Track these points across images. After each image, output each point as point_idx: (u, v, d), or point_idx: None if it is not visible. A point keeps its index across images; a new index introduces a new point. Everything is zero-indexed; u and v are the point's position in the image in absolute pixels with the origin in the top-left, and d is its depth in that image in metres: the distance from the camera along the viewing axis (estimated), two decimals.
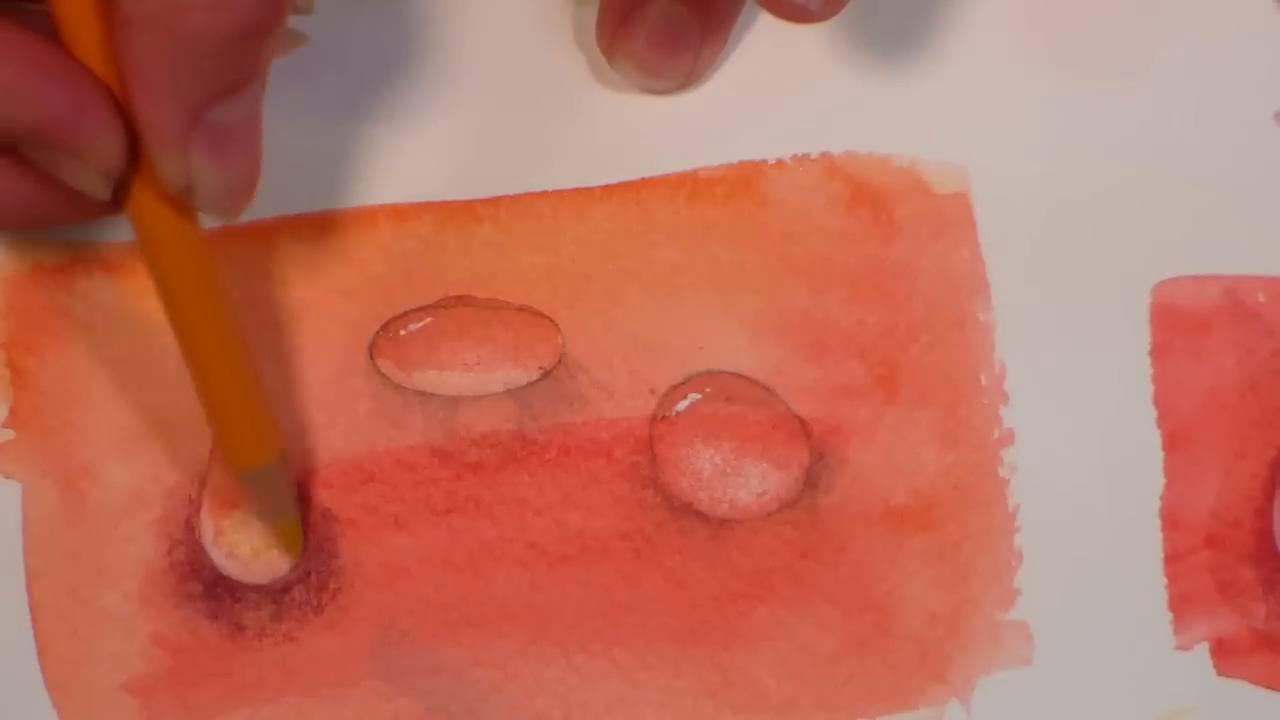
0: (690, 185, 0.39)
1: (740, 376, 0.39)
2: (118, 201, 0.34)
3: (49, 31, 0.33)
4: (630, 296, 0.39)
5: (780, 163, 0.40)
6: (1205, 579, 0.39)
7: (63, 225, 0.37)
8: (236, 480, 0.36)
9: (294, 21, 0.39)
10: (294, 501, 0.37)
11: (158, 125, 0.32)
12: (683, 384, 0.39)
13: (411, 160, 0.39)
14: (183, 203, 0.34)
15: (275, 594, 0.38)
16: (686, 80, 0.40)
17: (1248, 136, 0.40)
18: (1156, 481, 0.39)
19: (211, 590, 0.38)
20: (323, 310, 0.39)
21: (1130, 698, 0.38)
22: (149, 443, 0.38)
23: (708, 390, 0.39)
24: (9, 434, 0.38)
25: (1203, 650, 0.39)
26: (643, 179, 0.39)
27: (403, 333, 0.39)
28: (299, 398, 0.38)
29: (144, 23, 0.31)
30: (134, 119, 0.32)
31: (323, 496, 0.38)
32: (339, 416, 0.38)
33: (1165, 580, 0.39)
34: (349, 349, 0.39)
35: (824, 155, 0.40)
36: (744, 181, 0.39)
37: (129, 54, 0.32)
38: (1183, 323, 0.39)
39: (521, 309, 0.39)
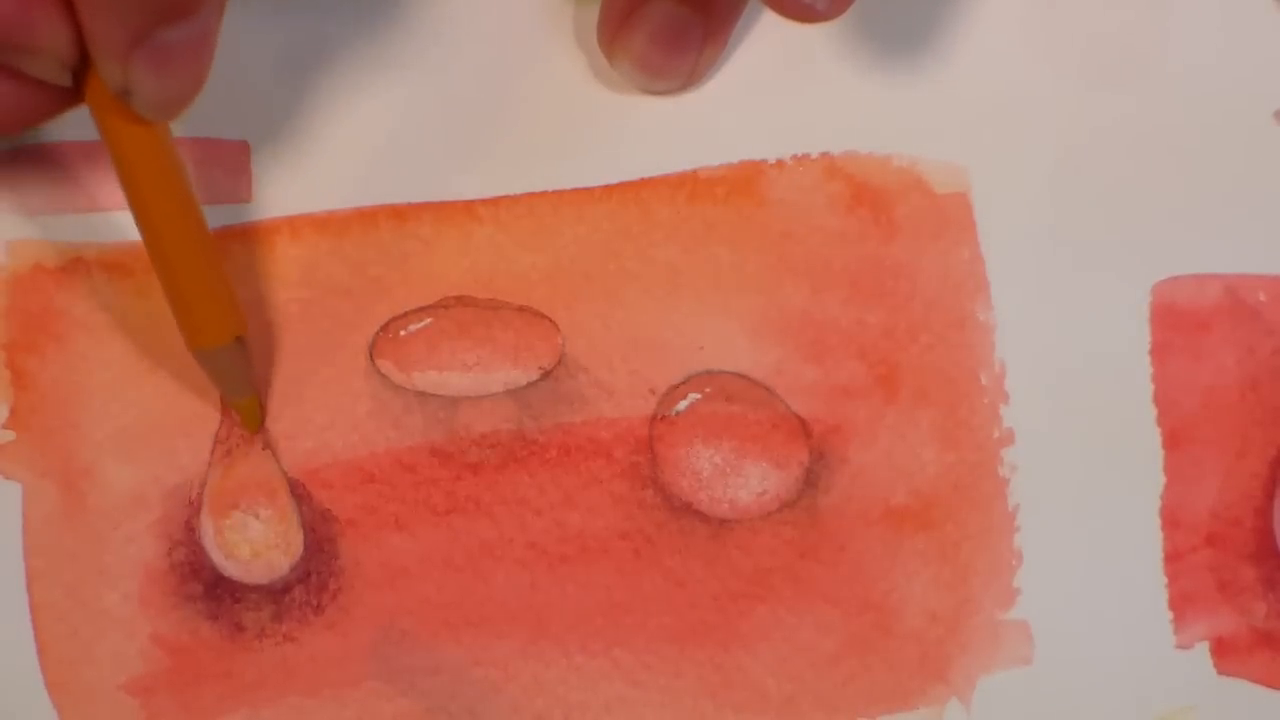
0: (690, 185, 0.39)
1: (740, 376, 0.39)
2: (78, 89, 0.34)
3: None
4: (630, 296, 0.39)
5: (780, 163, 0.40)
6: (1205, 578, 0.39)
7: (42, 121, 0.36)
8: (193, 356, 0.37)
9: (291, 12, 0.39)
10: (250, 382, 0.38)
11: (99, 39, 0.33)
12: (683, 384, 0.39)
13: (411, 160, 0.39)
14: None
15: (275, 594, 0.38)
16: (688, 81, 0.40)
17: (1248, 136, 0.40)
18: (1157, 480, 0.39)
19: (211, 591, 0.38)
20: (323, 310, 0.39)
21: (1130, 697, 0.38)
22: (149, 443, 0.38)
23: (708, 390, 0.39)
24: (9, 435, 0.38)
25: (1203, 649, 0.39)
26: (643, 179, 0.39)
27: (403, 333, 0.39)
28: (299, 398, 0.38)
29: None
30: (80, 26, 0.33)
31: (323, 497, 0.38)
32: (339, 416, 0.38)
33: (1165, 579, 0.39)
34: (349, 349, 0.39)
35: (824, 155, 0.40)
36: (744, 181, 0.39)
37: None
38: (1183, 322, 0.39)
39: (521, 309, 0.39)
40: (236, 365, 0.37)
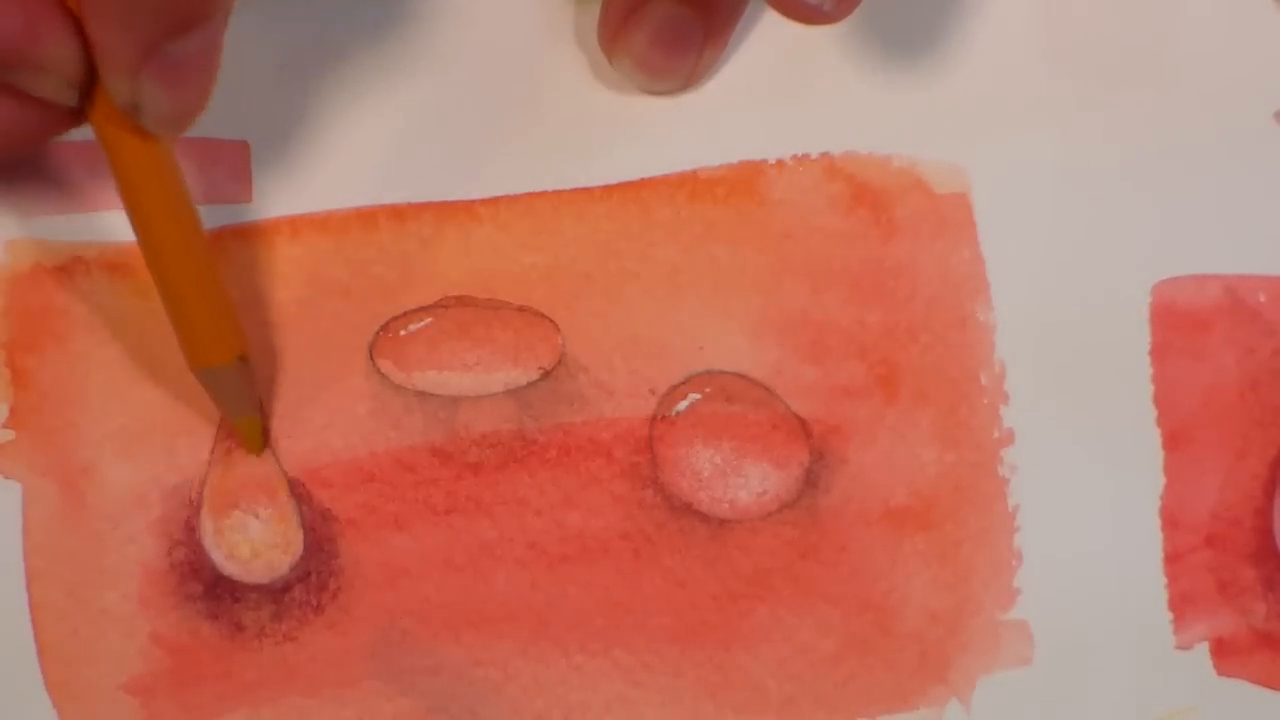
0: (690, 185, 0.39)
1: (740, 376, 0.39)
2: (83, 108, 0.34)
3: None
4: (630, 296, 0.39)
5: (780, 163, 0.40)
6: (1205, 578, 0.39)
7: (43, 141, 0.36)
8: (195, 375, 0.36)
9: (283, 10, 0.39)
10: (254, 403, 0.37)
11: (109, 53, 0.33)
12: (683, 384, 0.39)
13: (411, 160, 0.39)
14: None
15: (275, 594, 0.38)
16: (688, 81, 0.40)
17: (1248, 136, 0.40)
18: (1156, 481, 0.39)
19: (211, 590, 0.38)
20: (323, 310, 0.39)
21: (1130, 697, 0.38)
22: (149, 443, 0.38)
23: (708, 390, 0.39)
24: (9, 434, 0.38)
25: (1203, 650, 0.39)
26: (643, 179, 0.39)
27: (403, 333, 0.39)
28: (299, 398, 0.38)
29: None
30: (89, 41, 0.33)
31: (323, 496, 0.38)
32: (339, 416, 0.38)
33: (1165, 580, 0.39)
34: (349, 349, 0.39)
35: (824, 155, 0.40)
36: (744, 181, 0.39)
37: None
38: (1183, 322, 0.39)
39: (521, 309, 0.39)
40: (238, 384, 0.37)
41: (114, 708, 0.37)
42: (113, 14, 0.32)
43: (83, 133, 0.35)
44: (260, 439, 0.38)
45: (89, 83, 0.34)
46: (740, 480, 0.39)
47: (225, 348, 0.36)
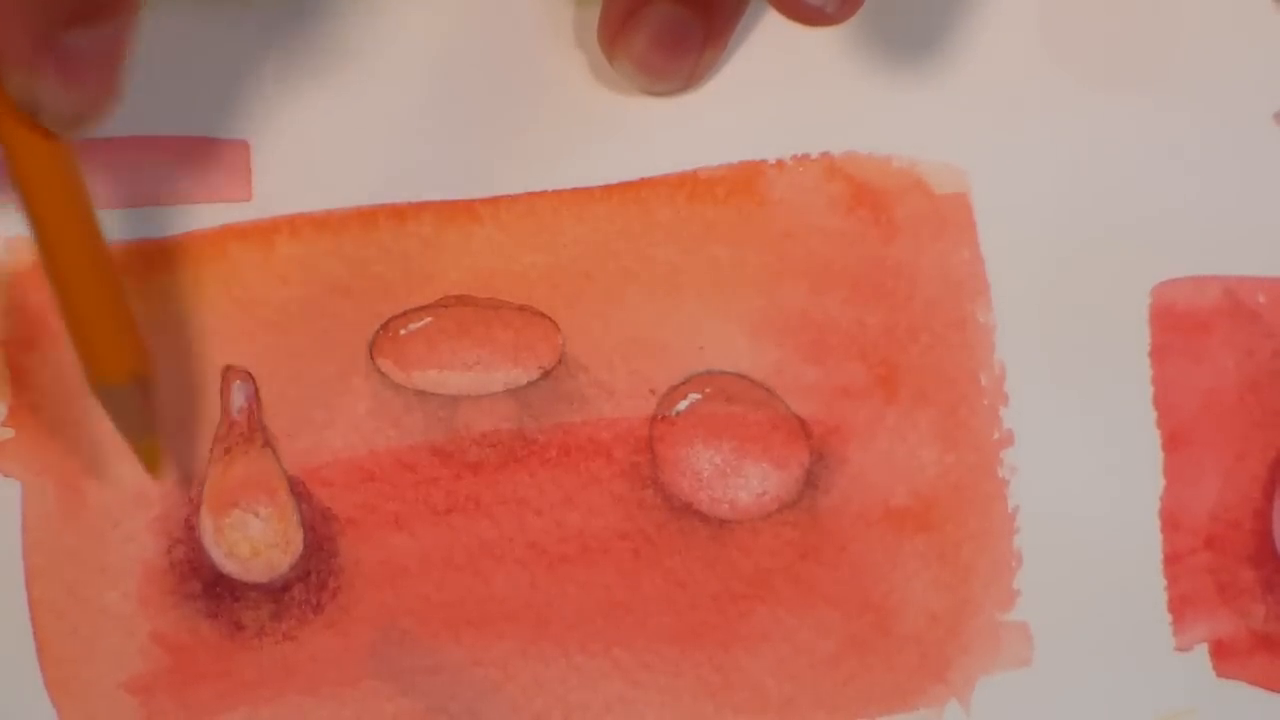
0: (690, 185, 0.39)
1: (740, 377, 0.39)
2: None
3: None
4: (630, 296, 0.39)
5: (780, 163, 0.40)
6: (1205, 580, 0.39)
7: None
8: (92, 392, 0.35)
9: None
10: (153, 425, 0.36)
11: (3, 45, 0.32)
12: (683, 384, 0.39)
13: (411, 160, 0.39)
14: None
15: (275, 593, 0.38)
16: (688, 82, 0.40)
17: (1248, 137, 0.40)
18: (1156, 482, 0.39)
19: (211, 589, 0.38)
20: (323, 310, 0.39)
21: (1130, 699, 0.38)
22: None
23: (708, 390, 0.39)
24: (8, 432, 0.38)
25: (1202, 651, 0.39)
26: (643, 179, 0.39)
27: (403, 332, 0.39)
28: (299, 398, 0.38)
29: None
30: None
31: (322, 496, 0.38)
32: (339, 416, 0.38)
33: (1165, 581, 0.39)
34: (349, 349, 0.39)
35: (824, 155, 0.40)
36: (744, 181, 0.39)
37: None
38: (1182, 324, 0.39)
39: (521, 309, 0.39)
40: (135, 406, 0.36)
41: (113, 706, 0.37)
42: (5, 3, 0.31)
43: None
44: (158, 464, 0.37)
45: None
46: (740, 480, 0.39)
47: (121, 367, 0.35)
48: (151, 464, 0.37)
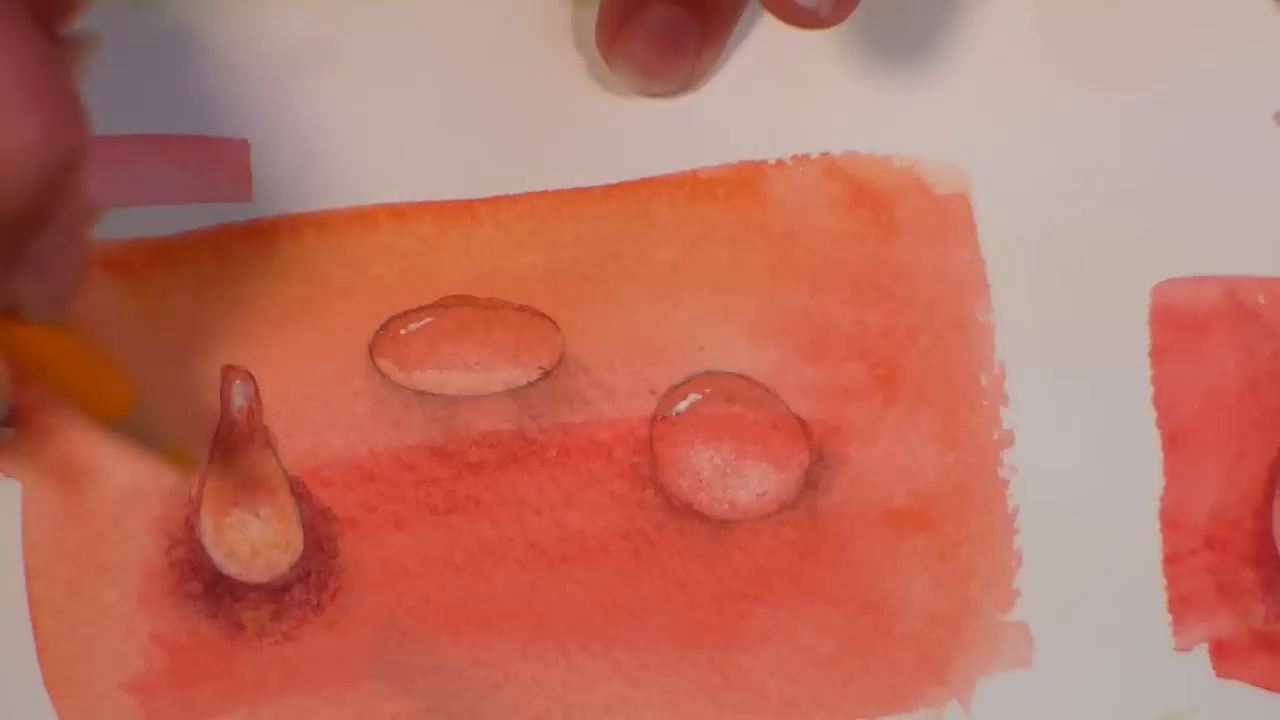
0: (690, 185, 0.39)
1: (740, 377, 0.39)
2: None
3: None
4: (630, 296, 0.39)
5: (780, 163, 0.40)
6: (1205, 580, 0.39)
7: None
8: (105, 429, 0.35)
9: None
10: (167, 434, 0.36)
11: None
12: (683, 384, 0.39)
13: (411, 160, 0.39)
14: None
15: (275, 593, 0.38)
16: (686, 84, 0.40)
17: (1247, 137, 0.40)
18: (1156, 482, 0.39)
19: (211, 589, 0.38)
20: (323, 310, 0.39)
21: (1130, 699, 0.38)
22: None
23: (708, 390, 0.39)
24: (9, 432, 0.38)
25: (1202, 651, 0.39)
26: (643, 179, 0.39)
27: (403, 332, 0.39)
28: (299, 397, 0.38)
29: None
30: None
31: (322, 495, 0.38)
32: (339, 416, 0.38)
33: (1165, 581, 0.39)
34: (349, 349, 0.39)
35: (824, 155, 0.40)
36: (744, 181, 0.39)
37: None
38: (1182, 324, 0.39)
39: (521, 309, 0.39)
40: (146, 424, 0.35)
41: (113, 706, 0.37)
42: None
43: None
44: (188, 463, 0.36)
45: None
46: (740, 481, 0.39)
47: (122, 399, 0.34)
48: (183, 466, 0.37)
